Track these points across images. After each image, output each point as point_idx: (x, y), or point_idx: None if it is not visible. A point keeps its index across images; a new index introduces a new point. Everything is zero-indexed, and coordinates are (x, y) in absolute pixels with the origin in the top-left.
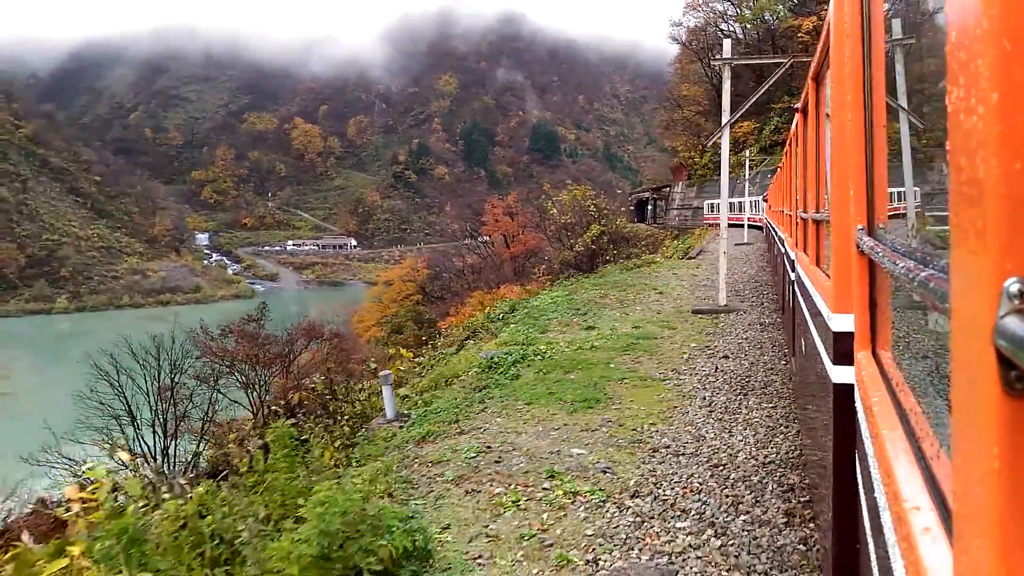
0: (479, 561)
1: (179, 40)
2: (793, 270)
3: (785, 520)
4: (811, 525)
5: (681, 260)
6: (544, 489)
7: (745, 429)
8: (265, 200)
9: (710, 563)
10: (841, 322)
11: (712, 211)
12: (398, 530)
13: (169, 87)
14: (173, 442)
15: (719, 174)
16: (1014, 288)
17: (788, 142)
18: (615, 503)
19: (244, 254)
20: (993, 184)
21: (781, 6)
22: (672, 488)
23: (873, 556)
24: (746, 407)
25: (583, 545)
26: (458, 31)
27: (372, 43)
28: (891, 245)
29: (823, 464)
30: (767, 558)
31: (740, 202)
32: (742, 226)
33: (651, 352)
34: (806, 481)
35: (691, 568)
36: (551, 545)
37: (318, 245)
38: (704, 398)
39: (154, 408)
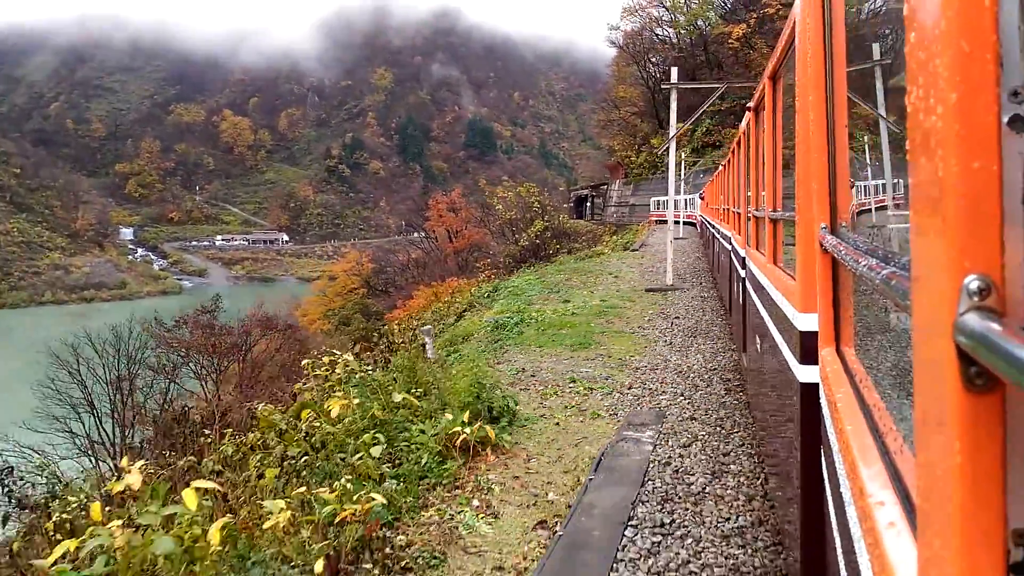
0: (543, 416)
1: (104, 28)
2: (744, 267)
3: (725, 391)
4: (740, 394)
5: (626, 252)
6: (570, 387)
7: (697, 355)
8: (192, 194)
9: (683, 409)
10: (808, 322)
11: (659, 208)
12: (500, 393)
13: (92, 77)
14: (130, 431)
15: (655, 173)
16: (973, 285)
17: (737, 140)
18: (618, 392)
19: (171, 249)
20: (952, 183)
21: (713, 13)
22: (653, 384)
23: (840, 551)
24: (696, 344)
25: (604, 408)
26: (393, 24)
27: (305, 35)
28: (853, 243)
29: (788, 462)
30: (715, 406)
31: (676, 200)
32: (677, 223)
33: (619, 316)
34: (767, 479)
35: (673, 411)
36: (585, 410)
37: (248, 240)
38: (666, 341)
39: (113, 399)
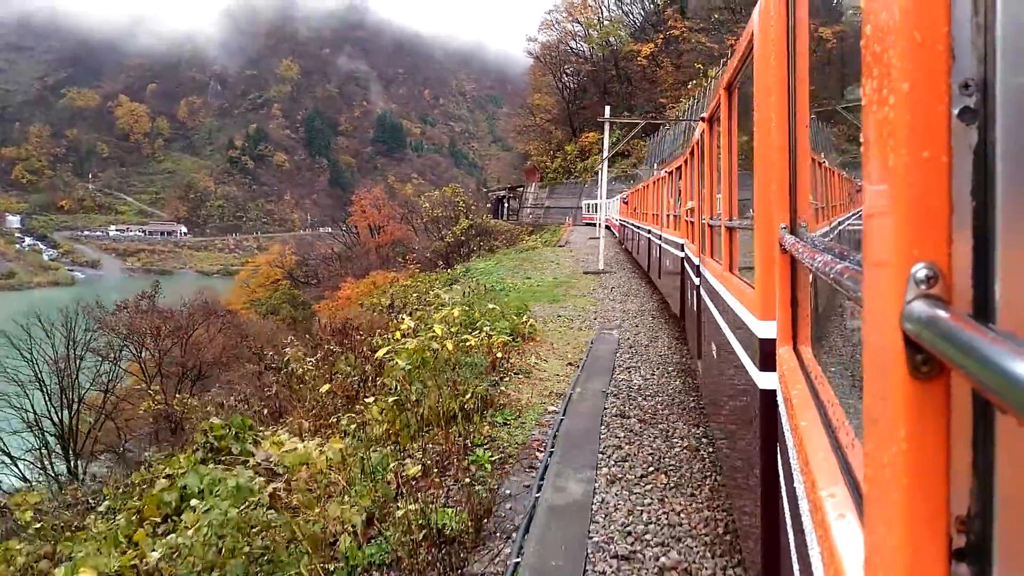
0: (550, 330)
1: None
2: (698, 275)
3: (652, 319)
4: (663, 317)
5: (555, 248)
6: (558, 319)
7: (631, 304)
8: (85, 182)
9: (630, 324)
10: (768, 329)
11: (589, 211)
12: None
13: None
14: (76, 417)
15: (569, 177)
16: (921, 274)
17: (690, 150)
18: (590, 320)
19: (61, 239)
20: (902, 173)
21: (623, 32)
22: (610, 317)
23: (792, 544)
24: (629, 299)
25: (584, 326)
26: (300, 15)
27: (209, 21)
28: (811, 242)
29: (748, 468)
30: (646, 322)
31: (595, 204)
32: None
33: (572, 287)
34: (724, 485)
35: (624, 325)
36: (573, 328)
37: (144, 231)
38: (611, 299)
39: (60, 381)
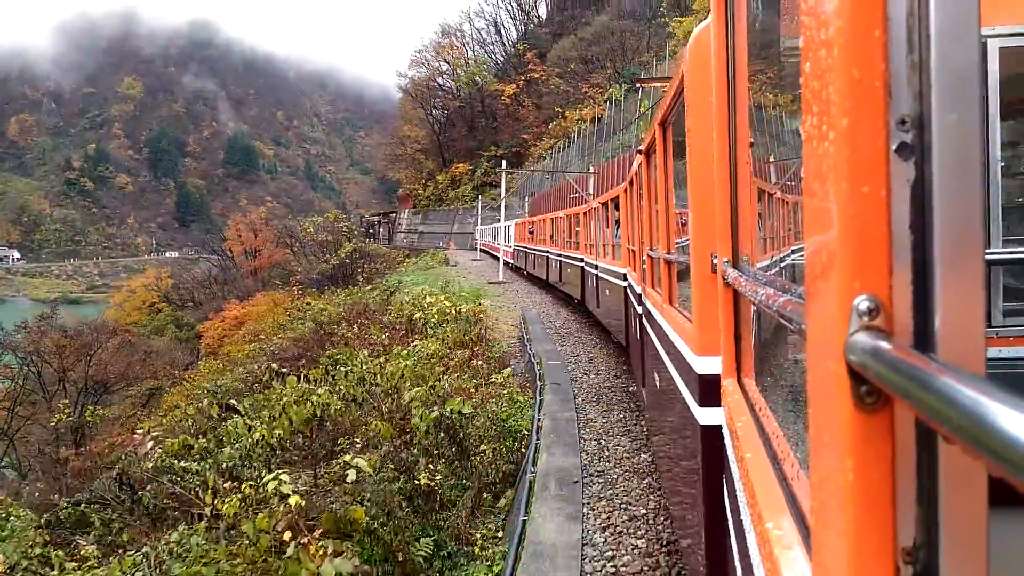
0: (490, 311)
1: None
2: (640, 304)
3: (551, 304)
4: (558, 304)
5: (447, 267)
6: (491, 306)
7: (535, 297)
8: None
9: (539, 305)
10: (707, 365)
11: (494, 239)
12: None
13: None
14: None
15: (440, 205)
16: (863, 306)
17: (630, 180)
18: (512, 304)
19: None
20: (842, 207)
21: (488, 73)
22: (524, 302)
23: None
24: (532, 295)
25: (511, 307)
26: (143, 31)
27: (40, 35)
28: (753, 276)
29: (690, 500)
30: (549, 304)
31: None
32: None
33: (487, 290)
34: (670, 516)
35: (536, 306)
36: (502, 308)
37: None
38: (519, 295)
39: None
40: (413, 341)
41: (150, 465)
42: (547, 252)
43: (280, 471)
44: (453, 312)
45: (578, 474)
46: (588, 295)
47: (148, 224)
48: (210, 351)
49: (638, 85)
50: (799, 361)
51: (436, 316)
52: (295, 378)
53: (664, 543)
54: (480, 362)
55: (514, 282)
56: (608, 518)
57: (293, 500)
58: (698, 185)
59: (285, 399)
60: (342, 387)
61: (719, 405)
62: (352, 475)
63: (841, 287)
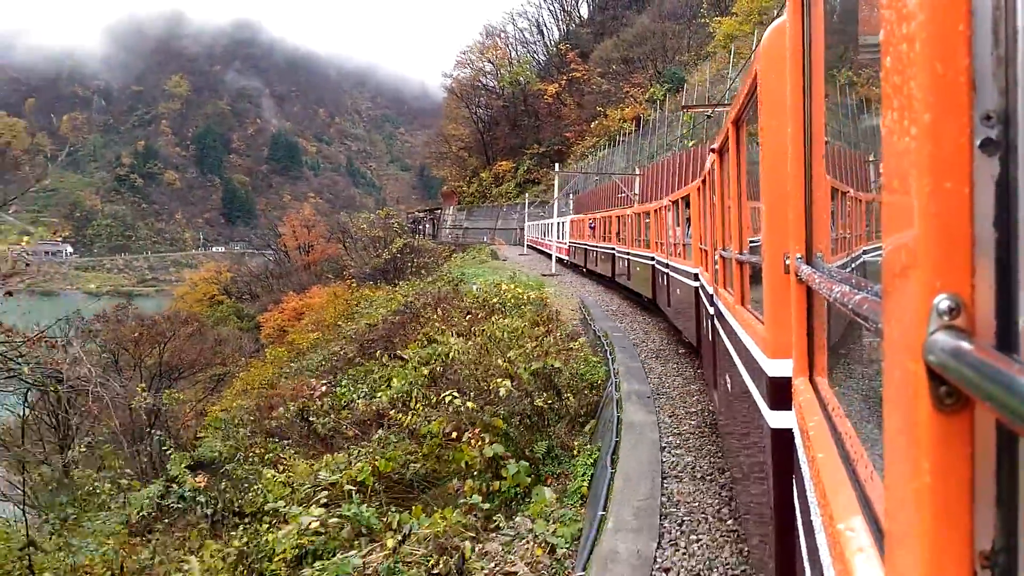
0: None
1: None
2: (712, 304)
3: (604, 290)
4: (611, 291)
5: (498, 261)
6: (551, 292)
7: (589, 287)
8: None
9: (595, 293)
10: (778, 368)
11: (543, 236)
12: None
13: None
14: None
15: (484, 202)
16: (943, 305)
17: (702, 179)
18: (570, 292)
19: None
20: (924, 204)
21: (531, 72)
22: (582, 290)
23: None
24: (586, 285)
25: (571, 294)
26: (189, 31)
27: (90, 36)
28: (827, 272)
29: (761, 503)
30: (602, 292)
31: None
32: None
33: (545, 281)
34: (738, 509)
35: (591, 293)
36: (562, 295)
37: (26, 251)
38: (573, 284)
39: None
40: (495, 321)
41: (326, 405)
42: (613, 249)
43: (449, 391)
44: (525, 297)
45: (649, 392)
46: (659, 294)
47: (195, 220)
48: (270, 340)
49: (685, 111)
50: (874, 360)
51: (512, 301)
52: (416, 344)
53: (708, 423)
54: (555, 336)
55: (565, 275)
56: (672, 412)
57: (470, 404)
58: (771, 184)
59: (416, 355)
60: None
61: (790, 408)
62: (503, 392)
63: (921, 286)
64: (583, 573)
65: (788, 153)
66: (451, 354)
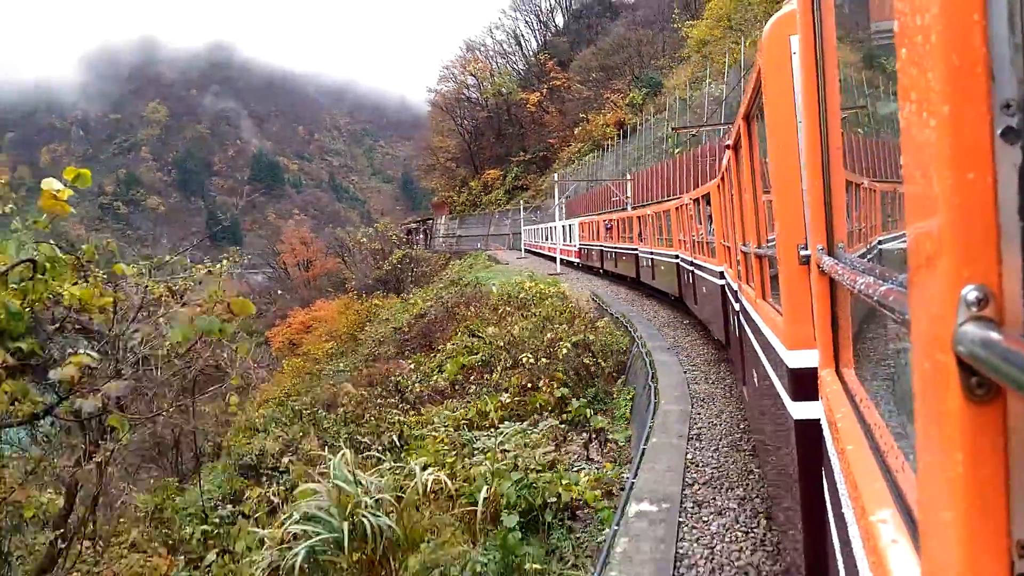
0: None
1: None
2: (737, 300)
3: (610, 285)
4: (617, 285)
5: (500, 264)
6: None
7: (597, 281)
8: None
9: (607, 288)
10: (798, 359)
11: (546, 240)
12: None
13: None
14: None
15: (475, 210)
16: (971, 296)
17: (721, 176)
18: (581, 287)
19: None
20: (947, 195)
21: (512, 83)
22: (592, 285)
23: (843, 571)
24: (592, 281)
25: (583, 289)
26: (164, 57)
27: (65, 67)
28: (850, 263)
29: (789, 494)
30: (610, 286)
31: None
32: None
33: (552, 279)
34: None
35: (605, 287)
36: (576, 290)
37: None
38: (581, 282)
39: None
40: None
41: (415, 378)
42: (636, 250)
43: (524, 353)
44: (547, 291)
45: (669, 346)
46: (685, 292)
47: (182, 243)
48: (282, 354)
49: (674, 131)
50: (901, 351)
51: (536, 296)
52: (459, 336)
53: (711, 362)
54: (581, 318)
55: (569, 274)
56: (687, 355)
57: (544, 360)
58: (781, 176)
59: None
60: (525, 324)
61: (812, 399)
62: (563, 352)
63: (948, 277)
64: (652, 419)
65: (800, 145)
66: (516, 332)
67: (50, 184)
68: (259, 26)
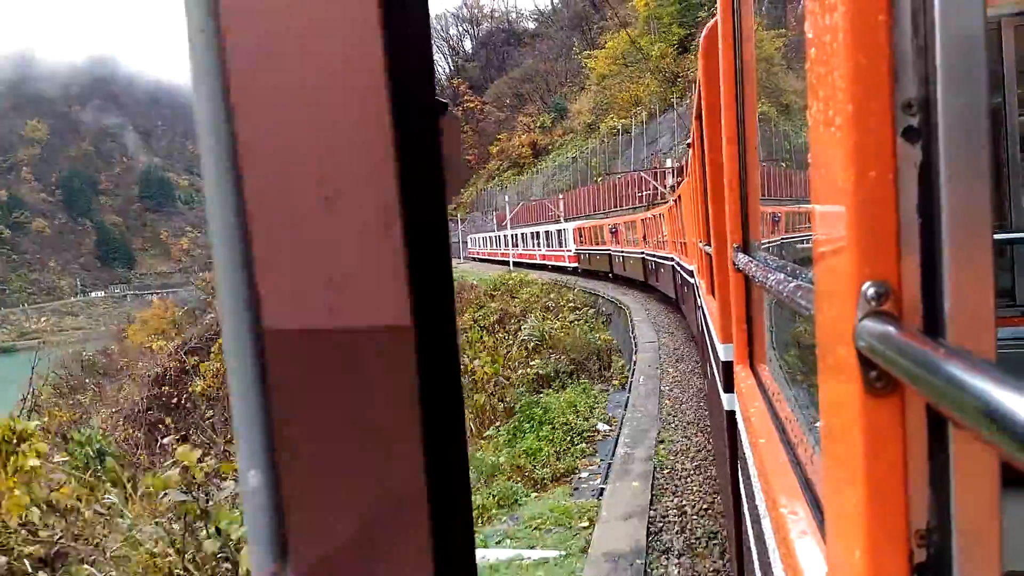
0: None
1: None
2: (699, 297)
3: (607, 280)
4: (596, 278)
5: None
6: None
7: (596, 281)
8: None
9: (606, 285)
10: (728, 352)
11: (501, 246)
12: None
13: None
14: None
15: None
16: (871, 292)
17: (685, 176)
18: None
19: None
20: (850, 192)
21: None
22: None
23: (756, 564)
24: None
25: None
26: (41, 72)
27: None
28: (763, 260)
29: (725, 486)
30: (609, 285)
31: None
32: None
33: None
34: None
35: (578, 281)
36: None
37: None
38: (543, 275)
39: None
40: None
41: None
42: (643, 253)
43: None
44: (526, 280)
45: (648, 318)
46: (679, 293)
47: (71, 265)
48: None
49: (607, 176)
50: (811, 347)
51: (518, 284)
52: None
53: (672, 319)
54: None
55: (529, 273)
56: (664, 328)
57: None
58: (715, 173)
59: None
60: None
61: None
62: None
63: (849, 273)
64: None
65: (722, 144)
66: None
67: None
68: (140, 38)
